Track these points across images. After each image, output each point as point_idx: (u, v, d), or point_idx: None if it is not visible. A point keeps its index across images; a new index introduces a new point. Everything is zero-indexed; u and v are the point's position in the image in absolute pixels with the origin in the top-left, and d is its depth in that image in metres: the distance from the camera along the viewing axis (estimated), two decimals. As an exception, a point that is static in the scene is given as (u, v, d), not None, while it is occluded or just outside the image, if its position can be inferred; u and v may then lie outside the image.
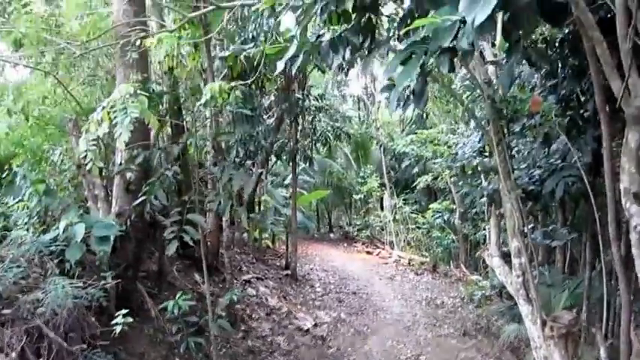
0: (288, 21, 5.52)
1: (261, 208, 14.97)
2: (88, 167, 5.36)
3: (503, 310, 9.95)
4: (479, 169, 8.94)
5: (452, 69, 3.28)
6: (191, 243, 6.09)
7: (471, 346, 9.81)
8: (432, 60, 3.31)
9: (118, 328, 5.10)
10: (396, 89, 3.77)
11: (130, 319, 5.25)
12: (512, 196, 7.03)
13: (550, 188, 7.48)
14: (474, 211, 13.61)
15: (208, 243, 10.43)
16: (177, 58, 7.22)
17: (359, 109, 24.98)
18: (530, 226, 7.87)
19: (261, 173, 14.44)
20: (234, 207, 7.03)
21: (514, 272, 7.08)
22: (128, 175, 6.83)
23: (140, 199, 6.34)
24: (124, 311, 5.24)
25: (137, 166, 6.71)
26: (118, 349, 5.81)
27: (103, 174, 7.01)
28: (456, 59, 3.46)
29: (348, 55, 4.83)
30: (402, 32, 3.82)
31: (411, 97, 3.82)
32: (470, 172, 9.55)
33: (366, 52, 4.95)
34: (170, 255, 6.20)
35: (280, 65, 5.16)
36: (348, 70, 6.15)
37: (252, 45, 8.91)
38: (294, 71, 7.43)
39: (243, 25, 10.21)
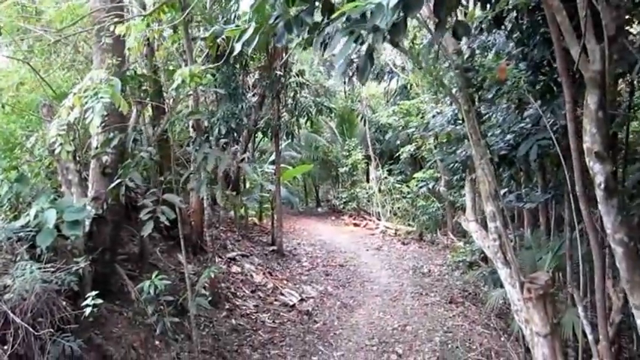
0: (245, 4, 5.59)
1: (247, 185, 15.06)
2: (57, 151, 5.38)
3: (487, 275, 10.09)
4: (452, 136, 9.02)
5: (395, 44, 3.41)
6: (167, 223, 6.15)
7: (457, 313, 9.98)
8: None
9: (88, 311, 5.11)
10: (338, 65, 3.90)
11: (100, 301, 5.25)
12: (483, 162, 7.12)
13: (523, 152, 7.55)
14: (455, 178, 13.72)
15: (192, 222, 10.50)
16: (157, 40, 7.26)
17: (344, 83, 24.92)
18: (504, 190, 7.96)
19: (245, 150, 14.51)
20: (210, 185, 7.10)
21: (490, 236, 7.20)
22: (104, 158, 6.88)
23: (116, 182, 6.39)
24: (93, 293, 5.27)
25: (113, 149, 6.73)
26: (94, 333, 5.87)
27: (78, 158, 7.04)
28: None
29: (306, 35, 4.91)
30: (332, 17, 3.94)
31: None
32: (444, 140, 9.63)
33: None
34: (145, 235, 6.26)
35: (237, 47, 5.23)
36: (325, 47, 6.19)
37: (233, 26, 8.92)
38: (254, 48, 7.42)
39: (225, 6, 10.25)
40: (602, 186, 4.75)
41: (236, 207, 14.09)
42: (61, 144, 5.31)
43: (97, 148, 6.84)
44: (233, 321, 8.79)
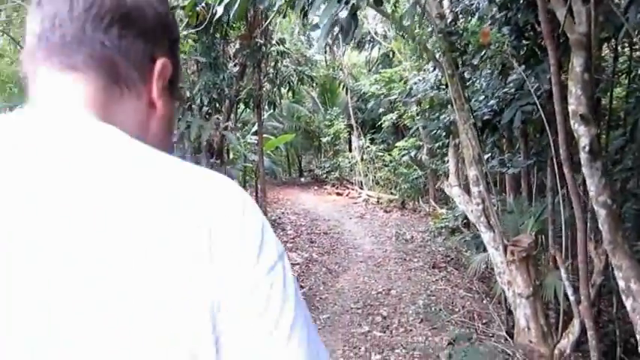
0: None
1: (230, 156, 15.00)
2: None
3: (470, 240, 10.20)
4: (435, 102, 9.04)
5: (379, 3, 3.40)
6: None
7: (440, 278, 10.10)
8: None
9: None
10: (322, 26, 3.90)
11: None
12: (467, 126, 7.17)
13: (508, 119, 7.59)
14: (436, 145, 13.77)
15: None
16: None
17: (325, 52, 24.79)
18: (487, 156, 8.02)
19: (227, 121, 14.44)
20: (193, 155, 7.07)
21: (473, 200, 7.28)
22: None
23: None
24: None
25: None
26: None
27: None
28: None
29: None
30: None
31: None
32: (427, 106, 9.65)
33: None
34: None
35: (219, 9, 5.18)
36: (305, 14, 6.17)
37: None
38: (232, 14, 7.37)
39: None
40: (587, 149, 4.81)
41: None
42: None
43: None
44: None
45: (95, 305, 0.63)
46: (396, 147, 17.72)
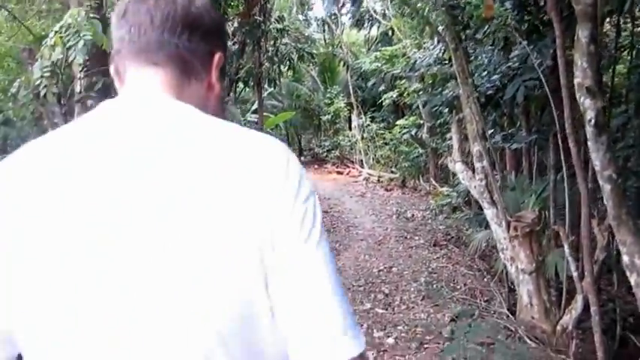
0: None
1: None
2: (42, 94, 5.26)
3: (471, 217, 10.17)
4: (438, 77, 8.96)
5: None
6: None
7: (441, 255, 10.08)
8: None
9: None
10: None
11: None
12: (471, 101, 7.11)
13: (511, 94, 7.53)
14: (437, 122, 13.71)
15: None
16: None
17: (324, 31, 24.64)
18: (490, 131, 7.96)
19: (227, 97, 14.36)
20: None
21: (477, 176, 7.24)
22: (89, 102, 6.74)
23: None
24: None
25: (97, 93, 6.61)
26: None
27: (63, 103, 6.91)
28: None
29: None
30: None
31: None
32: (430, 81, 9.57)
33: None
34: None
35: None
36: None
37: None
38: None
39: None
40: (593, 122, 4.76)
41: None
42: (45, 86, 5.19)
43: (80, 92, 6.70)
44: None
45: (190, 228, 0.91)
46: (397, 125, 17.64)
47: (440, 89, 9.03)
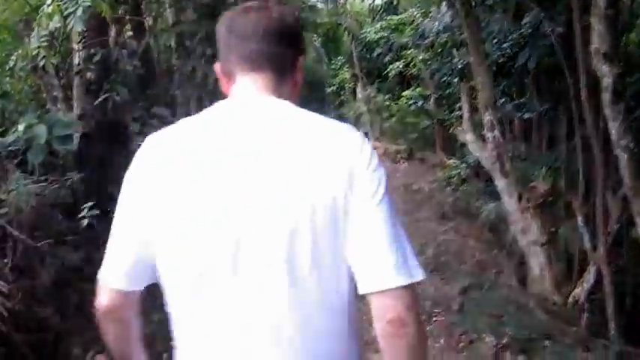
0: None
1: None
2: (40, 64, 5.13)
3: (481, 189, 10.05)
4: (449, 44, 8.73)
5: None
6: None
7: (449, 228, 9.95)
8: None
9: (85, 222, 4.96)
10: None
11: (97, 212, 5.08)
12: (482, 69, 6.95)
13: (522, 61, 7.38)
14: (447, 92, 13.51)
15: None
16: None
17: (326, 0, 24.19)
18: (501, 100, 7.79)
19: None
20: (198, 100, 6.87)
21: (488, 146, 7.10)
22: (88, 75, 6.60)
23: (102, 98, 6.18)
24: (89, 204, 5.08)
25: (96, 65, 6.47)
26: (94, 247, 5.77)
27: (61, 75, 6.76)
28: None
29: None
30: None
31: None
32: (440, 49, 9.36)
33: None
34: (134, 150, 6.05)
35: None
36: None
37: None
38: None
39: None
40: (610, 89, 4.62)
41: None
42: (44, 56, 5.06)
43: (78, 64, 6.56)
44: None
45: (294, 187, 1.26)
46: (403, 96, 17.39)
47: (449, 58, 8.82)
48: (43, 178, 5.02)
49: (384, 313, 1.30)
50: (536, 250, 6.44)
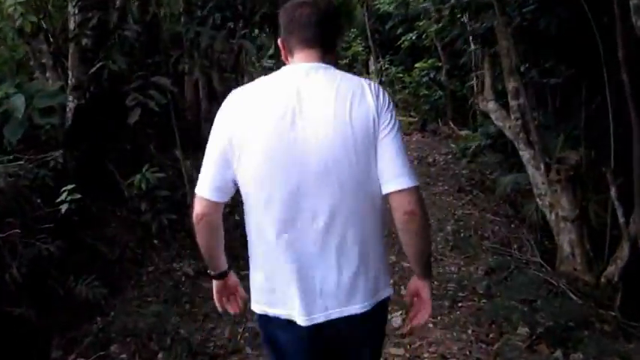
0: None
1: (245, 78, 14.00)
2: (18, 23, 4.42)
3: (500, 161, 9.30)
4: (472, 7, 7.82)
5: None
6: (156, 109, 5.27)
7: (467, 202, 9.22)
8: None
9: (64, 207, 4.27)
10: None
11: (79, 196, 4.40)
12: (507, 32, 6.20)
13: (543, 26, 6.62)
14: (461, 62, 12.70)
15: (189, 117, 9.61)
16: None
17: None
18: (524, 67, 6.99)
19: (244, 36, 13.33)
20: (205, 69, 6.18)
21: (512, 115, 6.36)
22: (84, 41, 5.89)
23: (97, 66, 5.49)
24: (69, 187, 4.38)
25: (92, 31, 5.76)
26: (84, 233, 5.14)
27: (51, 40, 6.04)
28: None
29: None
30: None
31: None
32: (459, 15, 8.49)
33: None
34: (131, 123, 5.33)
35: None
36: None
37: None
38: None
39: None
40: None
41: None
42: (22, 14, 4.35)
43: (74, 29, 5.85)
44: (236, 217, 8.01)
45: (336, 121, 1.86)
46: (416, 68, 16.67)
47: (471, 22, 7.94)
48: (20, 157, 4.31)
49: (402, 207, 1.89)
50: (567, 226, 5.71)
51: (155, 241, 5.99)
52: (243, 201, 2.02)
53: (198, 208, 2.00)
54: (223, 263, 2.20)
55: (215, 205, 2.00)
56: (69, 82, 5.98)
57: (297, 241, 1.90)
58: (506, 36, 6.23)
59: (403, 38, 17.20)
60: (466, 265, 6.30)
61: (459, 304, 5.19)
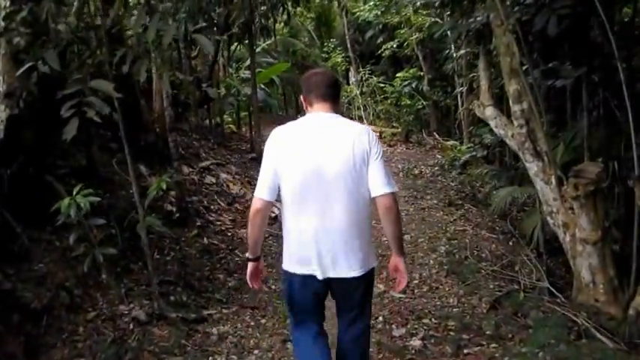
0: None
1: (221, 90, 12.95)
2: None
3: (496, 173, 8.28)
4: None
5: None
6: (98, 119, 4.14)
7: (458, 217, 8.18)
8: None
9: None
10: None
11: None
12: (505, 28, 5.19)
13: (540, 25, 5.62)
14: (447, 67, 11.73)
15: (157, 128, 8.51)
16: None
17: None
18: (524, 67, 5.95)
19: (216, 53, 12.26)
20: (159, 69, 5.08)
21: (515, 122, 5.31)
22: (15, 39, 4.77)
23: (25, 67, 4.39)
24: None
25: (25, 27, 4.66)
26: (8, 271, 4.02)
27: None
28: None
29: None
30: None
31: None
32: (450, 8, 7.38)
33: None
34: (68, 139, 4.16)
35: None
36: None
37: None
38: None
39: None
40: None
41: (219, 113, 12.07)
42: None
43: (5, 24, 4.74)
44: (205, 240, 6.88)
45: (342, 150, 2.84)
46: (397, 77, 15.77)
47: (460, 19, 6.87)
48: None
49: (383, 204, 2.84)
50: (587, 249, 4.68)
51: (103, 277, 4.86)
52: (282, 202, 2.98)
53: (257, 204, 2.94)
54: (259, 250, 3.14)
55: (268, 204, 2.94)
56: (0, 88, 4.87)
57: (320, 228, 2.85)
58: (505, 31, 5.23)
59: (384, 47, 16.39)
60: (466, 296, 5.23)
61: (465, 351, 4.11)
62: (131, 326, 4.34)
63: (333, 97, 3.01)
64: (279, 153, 2.88)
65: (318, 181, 2.80)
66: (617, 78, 4.87)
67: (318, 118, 2.94)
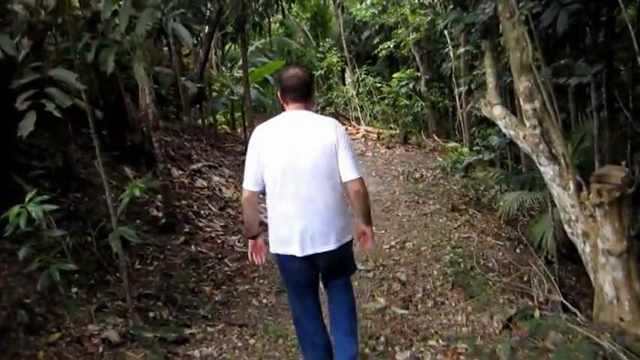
0: None
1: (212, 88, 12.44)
2: None
3: (507, 176, 7.78)
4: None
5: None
6: (58, 113, 3.60)
7: (463, 223, 7.65)
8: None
9: None
10: None
11: None
12: (515, 20, 4.68)
13: (548, 22, 5.15)
14: (445, 66, 11.26)
15: (144, 128, 7.98)
16: None
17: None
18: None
19: (207, 51, 11.74)
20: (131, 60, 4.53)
21: (527, 122, 4.79)
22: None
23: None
24: None
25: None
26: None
27: None
28: None
29: None
30: None
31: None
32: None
33: None
34: (24, 136, 3.63)
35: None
36: None
37: None
38: None
39: None
40: None
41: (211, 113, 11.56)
42: None
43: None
44: (193, 248, 6.35)
45: (313, 143, 3.24)
46: (394, 78, 15.31)
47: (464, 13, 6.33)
48: None
49: (353, 187, 3.21)
50: (609, 261, 4.18)
51: (73, 292, 4.34)
52: (266, 190, 3.31)
53: (245, 194, 3.40)
54: (256, 229, 3.54)
55: (255, 193, 3.37)
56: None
57: (298, 211, 3.23)
58: (515, 25, 4.72)
59: (380, 47, 15.96)
60: (475, 312, 4.69)
61: (479, 382, 3.59)
62: (100, 349, 3.78)
63: (306, 96, 3.39)
64: (260, 148, 3.30)
65: (295, 171, 3.20)
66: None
67: (294, 116, 3.35)
